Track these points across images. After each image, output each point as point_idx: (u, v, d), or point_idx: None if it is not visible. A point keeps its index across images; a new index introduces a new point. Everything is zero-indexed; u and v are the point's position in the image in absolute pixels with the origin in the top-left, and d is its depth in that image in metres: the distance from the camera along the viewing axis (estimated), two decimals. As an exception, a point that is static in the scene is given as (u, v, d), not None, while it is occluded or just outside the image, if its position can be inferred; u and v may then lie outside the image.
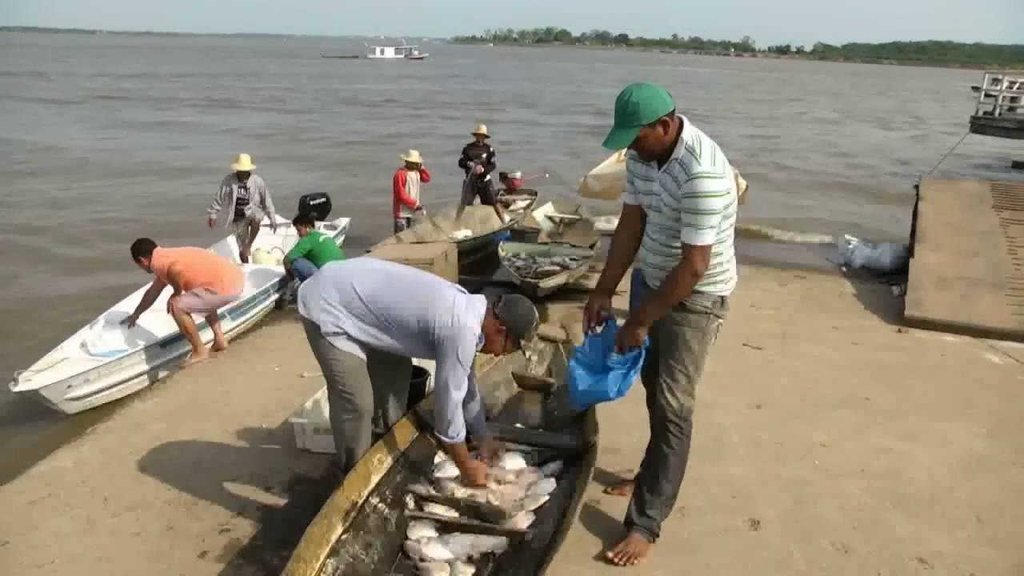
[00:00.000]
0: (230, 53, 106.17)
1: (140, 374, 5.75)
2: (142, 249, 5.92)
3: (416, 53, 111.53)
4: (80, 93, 34.20)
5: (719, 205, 2.78)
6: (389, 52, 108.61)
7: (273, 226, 8.64)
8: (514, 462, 3.62)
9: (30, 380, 5.08)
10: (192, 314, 5.92)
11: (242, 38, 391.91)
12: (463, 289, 3.32)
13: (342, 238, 9.42)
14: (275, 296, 7.57)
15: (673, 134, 2.84)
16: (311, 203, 9.54)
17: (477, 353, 3.28)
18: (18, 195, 13.13)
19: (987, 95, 18.57)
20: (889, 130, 32.51)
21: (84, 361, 5.49)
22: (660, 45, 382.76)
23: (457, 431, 3.24)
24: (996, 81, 18.74)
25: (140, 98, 33.08)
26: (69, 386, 5.16)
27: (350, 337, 3.19)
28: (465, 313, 3.14)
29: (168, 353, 5.99)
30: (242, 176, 8.16)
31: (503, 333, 3.25)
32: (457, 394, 3.16)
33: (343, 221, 9.88)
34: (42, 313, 7.55)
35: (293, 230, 8.42)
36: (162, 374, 5.88)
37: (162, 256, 5.90)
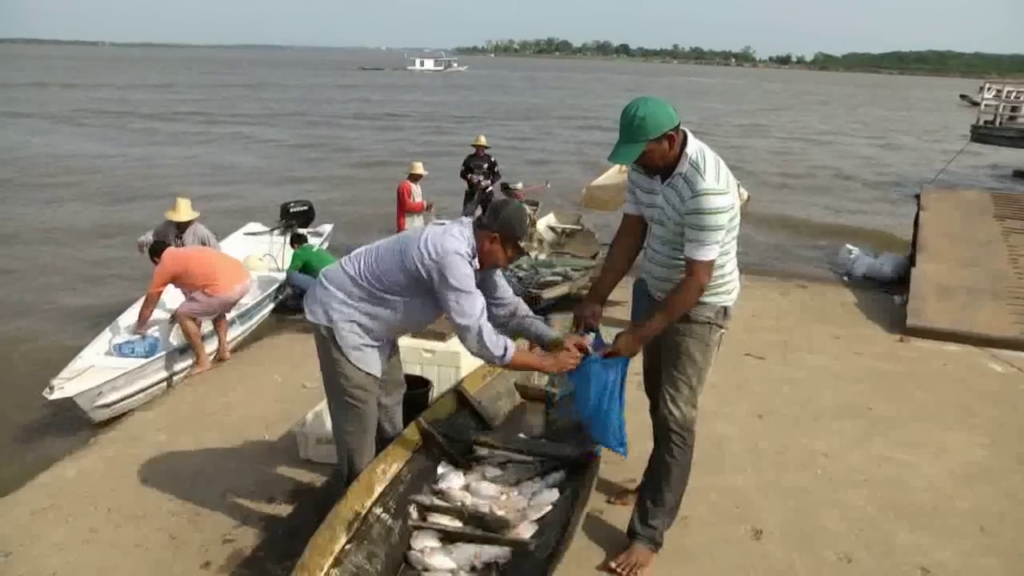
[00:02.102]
0: (272, 65, 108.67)
1: (162, 380, 5.78)
2: (157, 250, 6.07)
3: (455, 66, 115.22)
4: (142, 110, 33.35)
5: (723, 220, 2.79)
6: (428, 64, 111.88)
7: None
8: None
9: (63, 388, 5.11)
10: (197, 319, 5.96)
11: (242, 49, 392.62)
12: (444, 222, 3.20)
13: (326, 244, 9.36)
14: (272, 305, 7.59)
15: (677, 148, 2.85)
16: (292, 211, 9.41)
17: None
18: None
19: (987, 105, 18.68)
20: (891, 141, 32.55)
21: (111, 368, 5.49)
22: (661, 55, 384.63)
23: (502, 350, 3.03)
24: (985, 90, 18.92)
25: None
26: (99, 393, 5.19)
27: (362, 342, 3.16)
28: (442, 240, 2.98)
29: (188, 358, 6.04)
30: (181, 228, 6.74)
31: (499, 241, 3.08)
32: (472, 321, 2.97)
33: (326, 228, 9.82)
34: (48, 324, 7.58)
35: (278, 236, 8.54)
36: (182, 379, 5.92)
37: (161, 266, 5.92)
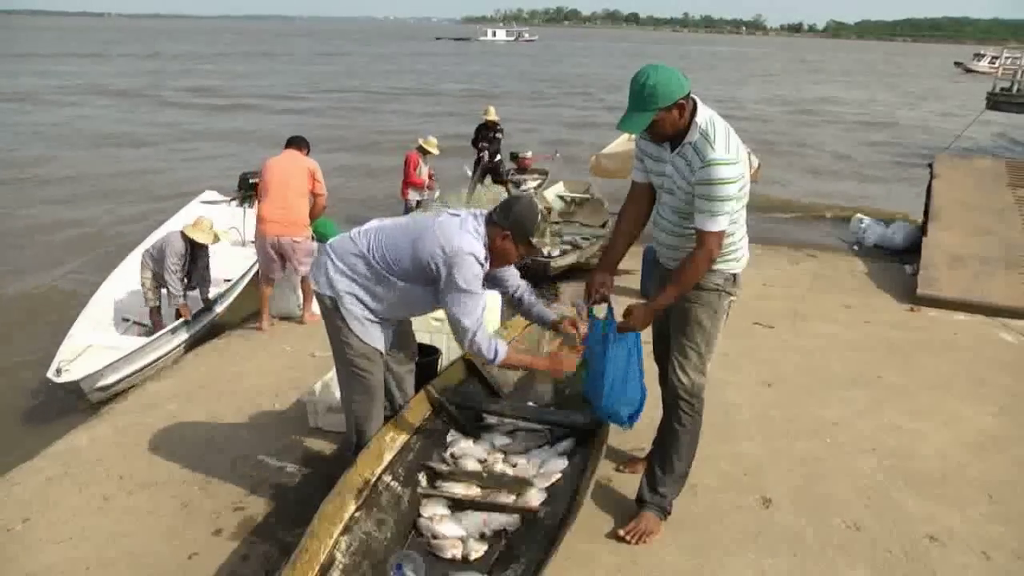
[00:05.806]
0: (344, 37, 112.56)
1: (160, 358, 5.71)
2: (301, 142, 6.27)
3: (527, 36, 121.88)
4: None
5: (733, 191, 2.76)
6: (501, 35, 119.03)
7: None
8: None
9: (69, 371, 5.08)
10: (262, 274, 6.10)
11: (254, 20, 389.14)
12: (458, 212, 3.15)
13: None
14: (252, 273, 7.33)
15: (687, 117, 2.80)
16: (251, 181, 9.19)
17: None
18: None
19: (1004, 71, 18.40)
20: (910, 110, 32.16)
21: (110, 349, 5.41)
22: (671, 24, 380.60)
23: (494, 353, 3.08)
24: (979, 56, 18.70)
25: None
26: (101, 375, 5.13)
27: (364, 315, 3.16)
28: (457, 236, 2.96)
29: (183, 334, 5.99)
30: (196, 247, 6.00)
31: (510, 239, 3.03)
32: (471, 322, 2.99)
33: None
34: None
35: (237, 207, 8.39)
36: (186, 354, 5.87)
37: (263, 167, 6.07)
